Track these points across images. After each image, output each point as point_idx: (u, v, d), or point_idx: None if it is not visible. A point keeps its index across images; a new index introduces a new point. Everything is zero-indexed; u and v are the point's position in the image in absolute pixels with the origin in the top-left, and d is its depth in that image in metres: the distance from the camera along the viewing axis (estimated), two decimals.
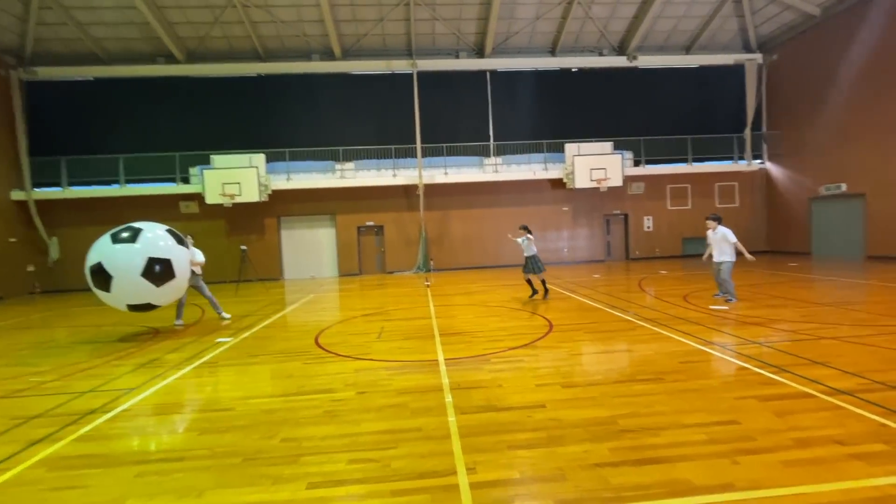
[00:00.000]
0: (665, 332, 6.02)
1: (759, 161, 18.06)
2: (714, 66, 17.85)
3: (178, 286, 7.00)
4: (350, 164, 16.97)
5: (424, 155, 16.76)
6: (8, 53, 15.24)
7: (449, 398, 4.04)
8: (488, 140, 17.34)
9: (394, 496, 2.60)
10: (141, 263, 6.46)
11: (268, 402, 4.23)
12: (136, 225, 6.87)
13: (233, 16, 15.11)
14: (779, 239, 17.70)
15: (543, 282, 9.42)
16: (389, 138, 16.84)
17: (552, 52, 17.60)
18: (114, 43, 15.71)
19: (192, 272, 7.91)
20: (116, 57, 16.09)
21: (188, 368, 5.45)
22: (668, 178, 17.83)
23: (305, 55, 16.76)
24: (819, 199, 15.92)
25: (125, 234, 6.65)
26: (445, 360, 5.26)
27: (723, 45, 17.89)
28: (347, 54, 16.85)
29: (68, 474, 3.03)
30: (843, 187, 14.84)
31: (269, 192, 15.89)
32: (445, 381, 4.51)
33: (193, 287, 8.23)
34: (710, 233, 8.05)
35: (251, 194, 15.26)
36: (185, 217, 16.35)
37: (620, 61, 17.56)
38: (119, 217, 15.99)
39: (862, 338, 5.29)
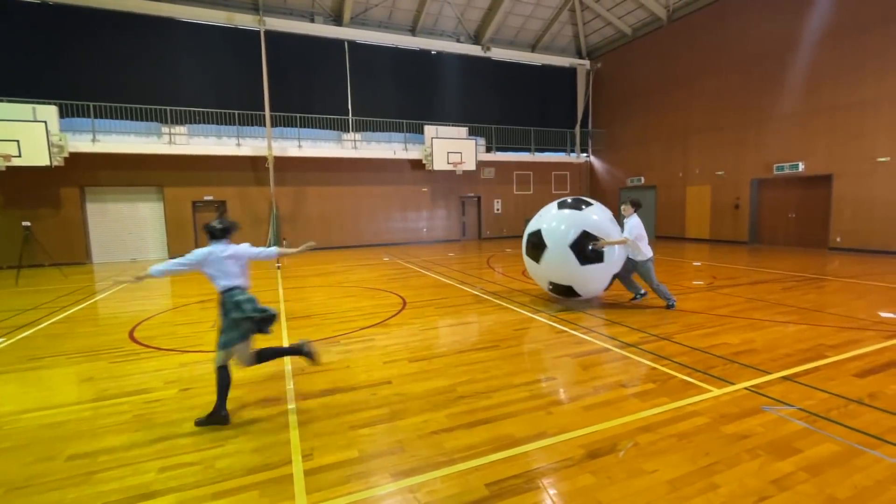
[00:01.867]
0: (505, 304, 6.64)
1: (585, 154, 21.05)
2: (554, 66, 20.01)
3: (602, 273, 6.02)
4: (182, 129, 14.55)
5: (276, 125, 15.30)
6: None
7: (290, 385, 3.80)
8: (347, 114, 16.64)
9: (215, 499, 2.33)
10: (574, 234, 5.83)
11: (52, 414, 3.41)
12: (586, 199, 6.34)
13: None
14: None
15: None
16: (232, 103, 14.89)
17: (412, 31, 17.57)
18: None
19: None
20: None
21: None
22: (514, 165, 19.60)
23: None
24: (626, 189, 19.33)
25: (570, 201, 6.31)
26: None
27: (561, 49, 20.14)
28: None
29: None
30: (642, 180, 18.28)
31: (66, 154, 12.66)
32: (288, 367, 4.23)
33: None
34: (625, 221, 6.05)
35: (37, 156, 11.95)
36: None
37: (476, 50, 18.44)
38: None
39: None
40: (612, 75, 19.54)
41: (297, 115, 15.62)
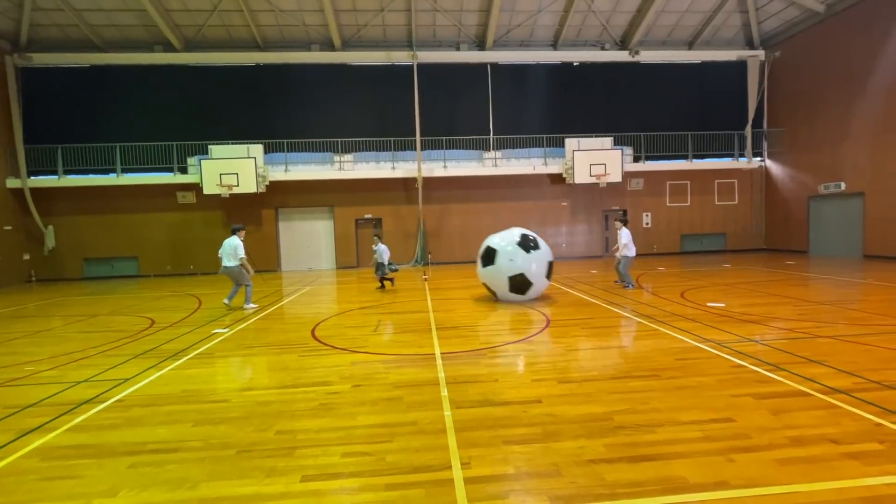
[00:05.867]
0: (662, 329, 6.02)
1: (759, 158, 18.03)
2: (716, 62, 17.75)
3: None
4: (349, 157, 16.86)
5: (424, 148, 16.67)
6: (3, 38, 15.04)
7: (445, 392, 4.03)
8: (488, 134, 17.25)
9: (388, 490, 2.59)
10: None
11: (263, 394, 4.21)
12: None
13: (231, 4, 14.91)
14: (777, 237, 17.74)
15: None
16: (389, 130, 16.72)
17: (554, 45, 17.47)
18: (110, 30, 15.51)
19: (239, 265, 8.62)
20: (113, 44, 15.90)
21: (184, 359, 5.43)
22: (667, 174, 17.79)
23: (305, 45, 16.58)
24: (818, 198, 15.91)
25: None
26: (442, 354, 5.25)
27: (725, 41, 17.79)
28: (347, 45, 16.68)
29: (62, 464, 3.02)
30: (843, 186, 14.83)
31: (267, 183, 15.79)
32: (442, 375, 4.50)
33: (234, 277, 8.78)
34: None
35: (249, 185, 15.15)
36: (182, 207, 16.26)
37: (622, 56, 17.44)
38: (115, 206, 16.01)
39: (858, 337, 5.30)
40: (796, 64, 16.45)
41: (443, 137, 16.77)
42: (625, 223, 9.43)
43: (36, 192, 15.43)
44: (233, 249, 8.55)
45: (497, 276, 8.01)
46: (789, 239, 17.09)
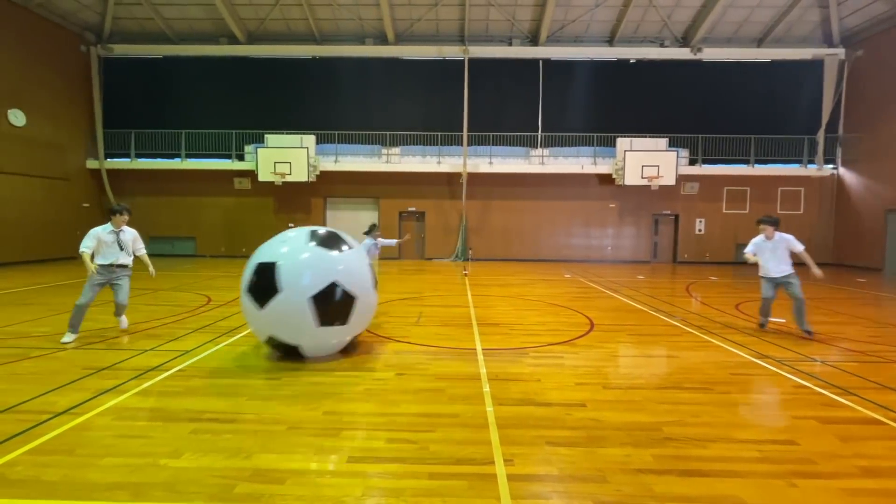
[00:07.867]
0: (714, 341, 5.73)
1: (831, 166, 16.71)
2: (788, 60, 16.56)
3: (342, 335, 4.72)
4: (396, 150, 17.11)
5: (470, 143, 16.64)
6: (89, 30, 16.34)
7: (486, 388, 4.03)
8: (536, 130, 16.97)
9: (431, 479, 2.63)
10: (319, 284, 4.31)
11: (310, 374, 4.37)
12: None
13: None
14: (846, 251, 16.41)
15: None
16: (436, 125, 16.81)
17: (610, 41, 16.89)
18: (181, 23, 16.48)
19: (121, 264, 5.98)
20: (183, 36, 16.89)
21: (237, 336, 5.74)
22: (725, 179, 16.84)
23: (359, 39, 16.93)
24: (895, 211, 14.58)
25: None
26: (483, 349, 5.26)
27: (800, 39, 16.54)
28: (400, 39, 16.87)
29: (132, 424, 3.27)
30: None
31: (318, 172, 16.32)
32: (483, 370, 4.51)
33: (112, 284, 5.89)
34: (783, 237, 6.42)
35: (301, 174, 15.72)
36: (238, 192, 17.10)
37: (683, 53, 16.62)
38: (178, 188, 17.07)
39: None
40: (880, 65, 15.08)
41: (490, 133, 16.66)
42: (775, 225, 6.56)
43: (111, 172, 16.72)
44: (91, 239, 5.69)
45: (288, 307, 4.23)
46: (861, 254, 15.76)
